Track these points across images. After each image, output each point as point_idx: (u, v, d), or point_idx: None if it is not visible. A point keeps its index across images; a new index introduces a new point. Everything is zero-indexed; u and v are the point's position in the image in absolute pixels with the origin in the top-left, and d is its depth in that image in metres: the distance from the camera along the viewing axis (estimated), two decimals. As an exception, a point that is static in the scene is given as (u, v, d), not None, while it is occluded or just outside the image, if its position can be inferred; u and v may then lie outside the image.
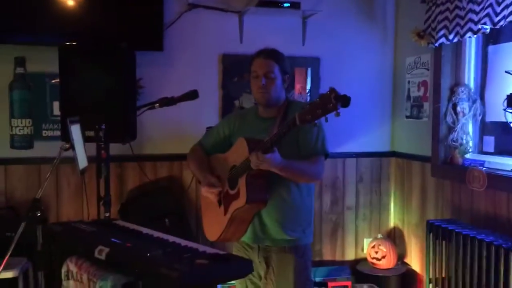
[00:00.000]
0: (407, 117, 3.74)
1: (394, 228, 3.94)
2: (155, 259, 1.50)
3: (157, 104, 2.44)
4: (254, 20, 3.59)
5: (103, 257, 1.61)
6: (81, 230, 1.86)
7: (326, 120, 1.79)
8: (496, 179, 2.86)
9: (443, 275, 3.00)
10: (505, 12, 2.60)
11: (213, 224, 2.31)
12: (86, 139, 2.49)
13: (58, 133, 3.23)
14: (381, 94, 3.90)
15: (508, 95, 2.69)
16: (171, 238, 1.78)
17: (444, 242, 2.98)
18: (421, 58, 3.58)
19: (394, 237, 3.91)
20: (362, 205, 3.91)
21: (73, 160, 2.31)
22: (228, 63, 3.60)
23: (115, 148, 3.01)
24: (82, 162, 2.32)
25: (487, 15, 2.70)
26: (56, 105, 3.32)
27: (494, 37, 3.13)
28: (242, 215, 2.17)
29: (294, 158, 2.15)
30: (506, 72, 2.75)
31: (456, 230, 2.88)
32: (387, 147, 3.94)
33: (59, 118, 3.15)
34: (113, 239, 1.72)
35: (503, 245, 2.52)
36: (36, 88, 3.24)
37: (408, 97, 3.71)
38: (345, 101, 1.73)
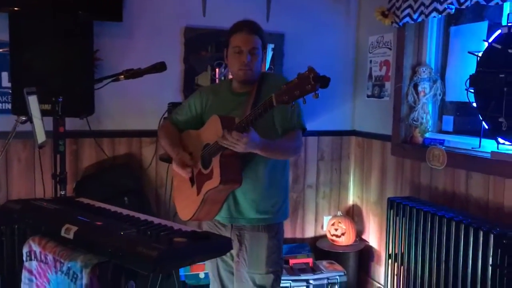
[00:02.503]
0: (368, 96, 3.77)
1: (353, 205, 4.00)
2: (130, 238, 1.42)
3: (122, 76, 2.31)
4: (218, -8, 3.49)
5: (70, 236, 1.51)
6: (43, 208, 1.74)
7: (304, 101, 1.74)
8: (455, 157, 2.93)
9: (402, 251, 3.07)
10: (471, -8, 2.63)
11: (186, 204, 2.24)
12: (42, 113, 2.33)
13: (7, 106, 3.02)
14: (343, 73, 3.91)
15: (470, 75, 2.74)
16: (142, 216, 1.70)
17: (404, 218, 3.05)
18: (384, 38, 3.60)
19: (353, 215, 3.97)
20: (322, 183, 3.94)
21: (24, 135, 2.15)
22: (191, 37, 3.48)
23: (69, 123, 2.85)
24: (41, 136, 2.17)
25: (454, -6, 2.73)
26: (4, 76, 3.10)
27: (455, 18, 3.18)
28: (215, 195, 2.11)
29: (270, 134, 2.10)
30: (469, 52, 2.79)
31: (417, 207, 2.94)
32: (348, 125, 3.97)
33: (8, 90, 2.95)
34: (80, 217, 1.61)
35: (464, 221, 2.59)
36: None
37: (370, 76, 3.74)
38: (324, 82, 1.68)
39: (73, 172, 3.27)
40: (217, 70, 3.46)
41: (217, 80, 3.47)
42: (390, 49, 3.53)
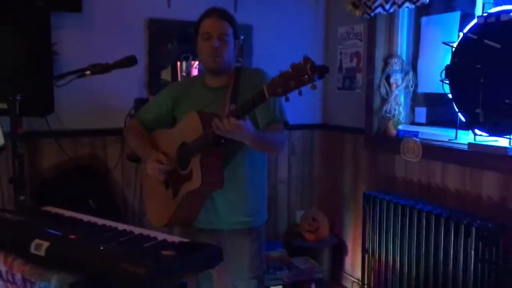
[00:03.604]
0: (339, 88, 3.71)
1: (326, 200, 3.94)
2: (112, 253, 1.28)
3: (88, 72, 2.13)
4: (183, -18, 3.33)
5: (42, 253, 1.35)
6: (6, 220, 1.56)
7: (300, 93, 1.63)
8: (431, 149, 2.91)
9: (379, 246, 3.03)
10: (446, -18, 2.59)
11: (159, 208, 2.09)
12: (-1, 113, 2.12)
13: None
14: (312, 65, 3.82)
15: (446, 66, 2.71)
16: (120, 226, 1.55)
17: (380, 212, 3.01)
18: (354, 29, 3.54)
19: (325, 209, 3.91)
20: (294, 178, 3.86)
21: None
22: (155, 29, 3.31)
23: (24, 123, 2.63)
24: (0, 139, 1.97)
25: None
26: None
27: (426, 8, 3.15)
28: (194, 198, 1.97)
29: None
30: (443, 43, 2.76)
31: (393, 201, 2.91)
32: (318, 119, 3.90)
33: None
34: (50, 230, 1.45)
35: (443, 214, 2.57)
36: None
37: (340, 68, 3.67)
38: (322, 71, 1.57)
39: (31, 176, 3.04)
40: (178, 63, 3.28)
41: (179, 75, 3.30)
42: (361, 40, 3.48)
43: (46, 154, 3.11)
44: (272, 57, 3.57)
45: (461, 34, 2.66)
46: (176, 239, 1.42)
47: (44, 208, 1.75)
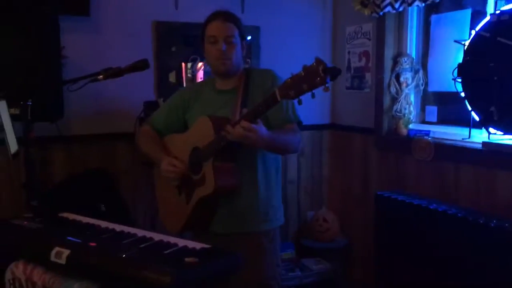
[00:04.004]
0: (347, 88, 3.69)
1: (335, 200, 3.92)
2: (134, 260, 1.26)
3: (101, 76, 2.11)
4: (190, -16, 3.32)
5: (62, 261, 1.33)
6: (24, 228, 1.54)
7: (313, 96, 1.61)
8: (443, 148, 2.88)
9: (393, 247, 3.00)
10: (458, -20, 2.57)
11: (173, 215, 2.07)
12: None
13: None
14: (321, 65, 3.80)
15: (458, 64, 2.69)
16: (139, 232, 1.54)
17: (393, 213, 2.98)
18: (362, 28, 3.52)
19: (335, 210, 3.89)
20: (303, 179, 3.84)
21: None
22: (163, 31, 3.29)
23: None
24: (13, 145, 1.96)
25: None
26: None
27: (435, 7, 3.13)
28: (208, 203, 1.96)
29: None
30: (455, 41, 2.74)
31: (407, 201, 2.88)
32: (326, 119, 3.88)
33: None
34: (70, 238, 1.44)
35: (458, 214, 2.55)
36: None
37: (349, 67, 3.65)
38: (334, 73, 1.55)
39: (41, 181, 3.02)
40: (183, 65, 3.25)
41: (183, 78, 3.27)
42: (369, 39, 3.46)
43: (57, 159, 3.10)
44: (280, 58, 3.56)
45: (473, 32, 2.64)
46: (197, 245, 1.40)
47: (61, 215, 1.74)
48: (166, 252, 1.34)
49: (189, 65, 3.08)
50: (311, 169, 3.87)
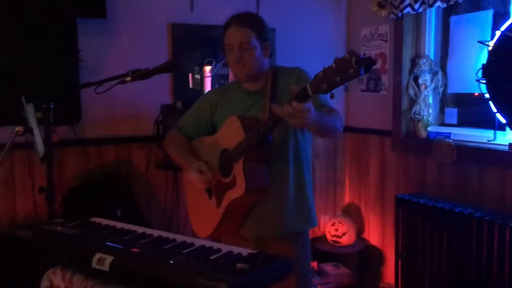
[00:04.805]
0: (363, 90, 3.66)
1: (350, 204, 3.88)
2: (184, 267, 1.21)
3: (129, 78, 2.07)
4: (206, -14, 3.28)
5: (105, 267, 1.28)
6: (59, 233, 1.49)
7: (332, 96, 1.54)
8: (466, 150, 2.85)
9: (415, 251, 2.96)
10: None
11: (204, 219, 2.02)
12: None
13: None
14: (336, 67, 3.77)
15: (483, 65, 2.66)
16: (178, 237, 1.48)
17: (414, 216, 2.95)
18: (378, 30, 3.49)
19: (350, 213, 3.86)
20: (318, 182, 3.80)
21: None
22: (179, 34, 3.25)
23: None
24: (41, 148, 1.91)
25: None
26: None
27: (454, 8, 3.10)
28: (239, 206, 1.91)
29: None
30: (479, 42, 2.71)
31: (429, 204, 2.84)
32: (342, 121, 3.83)
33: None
34: (110, 244, 1.39)
35: (486, 217, 2.51)
36: None
37: (365, 70, 3.61)
38: (369, 64, 1.50)
39: (57, 185, 2.97)
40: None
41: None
42: (386, 41, 3.43)
43: (72, 162, 3.04)
44: (295, 59, 3.49)
45: (498, 33, 2.61)
46: (242, 250, 1.36)
47: (92, 219, 1.69)
48: (212, 258, 1.29)
49: (207, 68, 3.03)
50: (326, 172, 3.83)
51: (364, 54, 3.57)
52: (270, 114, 1.76)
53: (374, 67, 3.53)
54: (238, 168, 1.86)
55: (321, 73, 1.56)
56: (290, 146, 2.00)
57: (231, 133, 1.92)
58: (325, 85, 1.54)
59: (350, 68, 1.48)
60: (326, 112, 1.89)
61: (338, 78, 1.51)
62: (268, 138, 1.85)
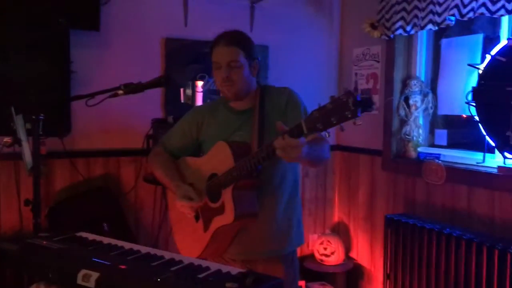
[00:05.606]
0: (354, 109, 3.66)
1: (339, 222, 3.87)
2: (172, 285, 1.19)
3: (121, 91, 2.05)
4: (200, 2, 3.29)
5: (91, 284, 1.26)
6: (45, 248, 1.46)
7: (342, 129, 1.49)
8: (455, 172, 2.86)
9: (403, 272, 2.95)
10: (474, 4, 2.58)
11: (190, 241, 1.98)
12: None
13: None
14: (327, 86, 3.79)
15: (473, 88, 2.69)
16: (166, 254, 1.46)
17: (403, 237, 2.94)
18: (370, 50, 3.52)
19: (339, 232, 3.84)
20: (307, 201, 3.79)
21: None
22: (172, 48, 3.25)
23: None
24: (29, 160, 1.88)
25: (456, 6, 2.67)
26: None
27: (445, 30, 3.15)
28: (227, 231, 1.88)
29: None
30: (469, 65, 2.74)
31: (418, 225, 2.84)
32: (332, 140, 3.85)
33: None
34: (96, 259, 1.36)
35: (474, 239, 2.51)
36: None
37: (356, 89, 3.64)
38: (367, 105, 1.43)
39: (43, 197, 2.93)
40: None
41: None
42: (378, 61, 3.46)
43: (60, 175, 3.01)
44: (288, 77, 3.54)
45: (488, 57, 2.64)
46: (231, 269, 1.34)
47: (78, 234, 1.66)
48: (200, 276, 1.27)
49: (199, 83, 3.01)
50: (316, 190, 3.82)
51: (361, 92, 3.56)
52: (263, 146, 1.73)
53: (366, 86, 3.55)
54: (227, 195, 1.83)
55: (316, 111, 1.50)
56: (279, 170, 1.97)
57: (219, 158, 1.88)
58: (320, 125, 1.48)
59: (347, 109, 1.41)
60: (316, 143, 1.84)
61: (333, 119, 1.45)
62: (258, 167, 1.82)
